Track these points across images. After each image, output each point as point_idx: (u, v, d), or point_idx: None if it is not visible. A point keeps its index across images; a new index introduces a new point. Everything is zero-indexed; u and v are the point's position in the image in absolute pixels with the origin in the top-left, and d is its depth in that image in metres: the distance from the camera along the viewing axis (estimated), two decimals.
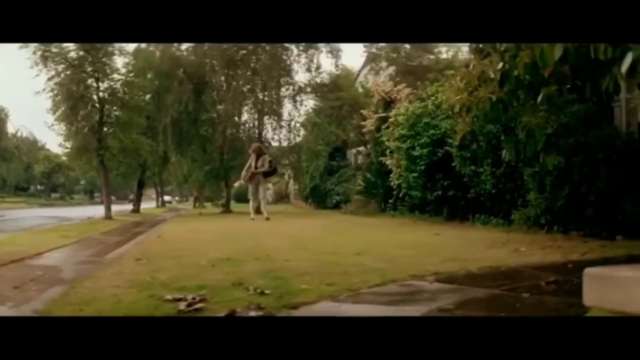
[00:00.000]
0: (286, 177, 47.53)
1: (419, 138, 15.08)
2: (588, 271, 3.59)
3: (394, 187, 17.25)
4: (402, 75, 27.69)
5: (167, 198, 78.91)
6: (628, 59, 3.62)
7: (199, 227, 16.90)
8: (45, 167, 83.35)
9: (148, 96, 29.81)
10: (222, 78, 28.64)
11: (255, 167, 18.53)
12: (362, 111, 22.83)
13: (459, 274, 6.06)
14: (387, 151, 17.27)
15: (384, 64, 30.76)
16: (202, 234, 13.25)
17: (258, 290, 5.05)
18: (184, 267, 6.95)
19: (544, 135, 8.27)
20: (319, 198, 31.88)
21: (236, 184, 52.28)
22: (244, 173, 19.15)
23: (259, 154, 18.93)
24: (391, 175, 17.14)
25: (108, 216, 25.61)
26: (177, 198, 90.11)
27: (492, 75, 6.90)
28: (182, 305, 4.50)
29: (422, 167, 14.97)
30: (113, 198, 33.83)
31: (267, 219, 17.86)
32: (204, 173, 29.99)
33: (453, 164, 13.69)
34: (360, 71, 36.22)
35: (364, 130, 22.24)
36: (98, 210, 30.33)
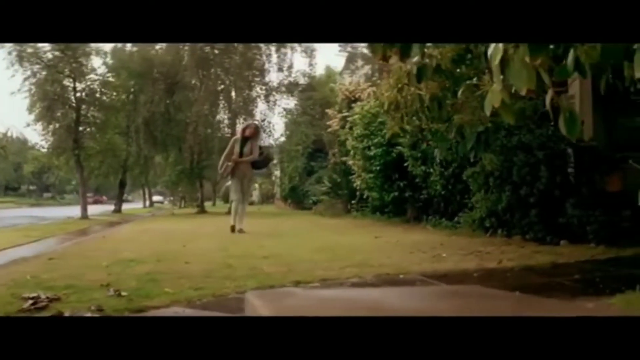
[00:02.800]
0: (273, 177, 46.99)
1: (373, 138, 14.60)
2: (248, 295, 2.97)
3: (357, 187, 16.70)
4: (379, 74, 27.09)
5: (158, 198, 78.48)
6: (570, 57, 3.24)
7: (155, 227, 16.89)
8: (35, 167, 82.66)
9: (124, 96, 29.39)
10: (195, 78, 27.95)
11: (241, 155, 12.86)
12: (327, 110, 22.17)
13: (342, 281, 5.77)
14: (351, 152, 16.70)
15: (360, 62, 30.14)
16: (145, 235, 13.07)
17: (117, 292, 4.99)
18: (80, 267, 6.84)
19: (474, 134, 7.68)
20: (298, 199, 31.31)
21: (228, 184, 52.37)
22: (222, 162, 13.16)
23: (249, 136, 13.06)
24: (354, 175, 16.61)
25: (84, 216, 25.51)
26: (170, 198, 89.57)
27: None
28: (27, 304, 4.51)
29: (378, 168, 14.45)
30: (104, 198, 34.06)
31: (241, 230, 12.38)
32: (176, 173, 29.45)
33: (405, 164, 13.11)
34: (343, 70, 35.73)
35: (329, 130, 21.47)
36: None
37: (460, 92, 6.69)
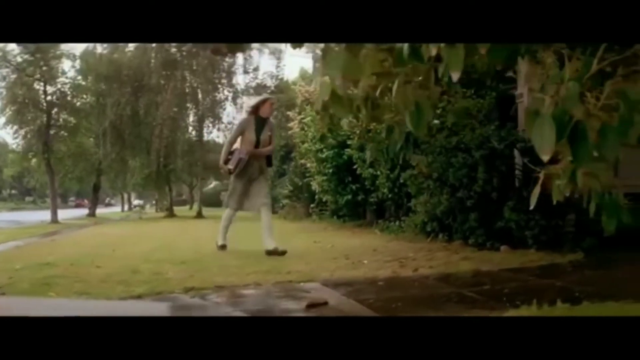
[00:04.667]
0: None
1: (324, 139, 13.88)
2: None
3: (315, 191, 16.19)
4: None
5: (140, 202, 77.33)
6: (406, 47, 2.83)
7: (108, 231, 16.87)
8: (15, 170, 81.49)
9: (93, 99, 28.89)
10: (161, 80, 27.29)
11: (257, 144, 8.76)
12: (288, 113, 21.59)
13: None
14: (306, 154, 16.19)
15: None
16: (90, 239, 13.20)
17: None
18: None
19: (403, 134, 7.13)
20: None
21: (211, 185, 51.37)
22: (225, 153, 8.96)
23: (266, 117, 9.00)
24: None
25: (54, 220, 25.22)
26: (154, 201, 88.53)
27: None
28: None
29: (331, 170, 13.93)
30: (85, 201, 33.97)
31: (283, 252, 8.18)
32: (143, 177, 28.82)
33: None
34: (314, 72, 35.19)
35: (290, 132, 20.84)
36: (64, 214, 30.46)
37: (394, 92, 6.26)
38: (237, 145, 8.94)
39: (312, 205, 17.76)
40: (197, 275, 6.24)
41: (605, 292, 4.67)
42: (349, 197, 13.71)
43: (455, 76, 2.45)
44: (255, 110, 8.94)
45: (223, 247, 8.96)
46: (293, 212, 19.89)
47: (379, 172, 11.53)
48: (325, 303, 4.60)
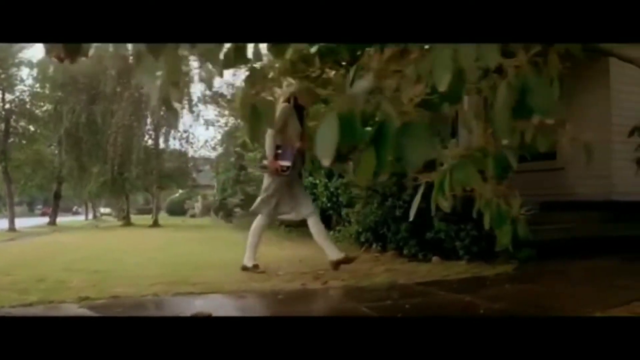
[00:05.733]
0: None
1: None
2: None
3: None
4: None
5: (107, 210, 76.15)
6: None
7: (56, 240, 16.54)
8: None
9: (50, 107, 28.38)
10: (117, 87, 26.71)
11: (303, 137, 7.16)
12: (238, 120, 21.20)
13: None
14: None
15: None
16: (28, 247, 13.17)
17: None
18: None
19: None
20: (228, 211, 30.23)
21: (177, 195, 50.65)
22: (271, 145, 6.97)
23: (304, 106, 7.32)
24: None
25: (11, 228, 24.88)
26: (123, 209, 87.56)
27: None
28: None
29: None
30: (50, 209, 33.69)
31: (352, 259, 7.15)
32: (98, 185, 28.22)
33: None
34: None
35: (239, 141, 20.42)
36: (29, 222, 31.50)
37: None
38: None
39: None
40: (100, 285, 6.02)
41: (513, 309, 4.46)
42: None
43: None
44: (292, 98, 7.06)
45: (255, 267, 7.09)
46: (247, 221, 19.39)
47: (317, 181, 11.11)
48: (210, 316, 4.33)
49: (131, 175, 26.49)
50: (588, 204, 9.08)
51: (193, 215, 45.65)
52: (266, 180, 7.25)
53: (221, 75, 2.54)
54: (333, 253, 6.97)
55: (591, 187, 9.23)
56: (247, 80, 2.74)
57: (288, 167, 6.88)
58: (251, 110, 2.52)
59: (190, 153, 30.46)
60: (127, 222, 28.77)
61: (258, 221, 7.38)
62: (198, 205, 45.92)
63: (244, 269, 6.99)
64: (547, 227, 8.03)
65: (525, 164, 9.90)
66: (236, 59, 2.47)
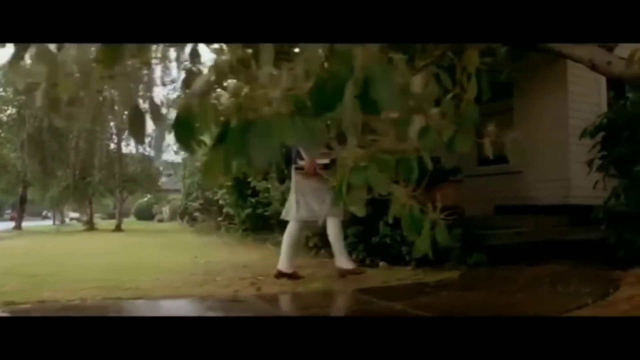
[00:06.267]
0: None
1: None
2: None
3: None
4: None
5: (75, 215, 75.19)
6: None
7: (11, 244, 16.68)
8: None
9: (14, 111, 27.97)
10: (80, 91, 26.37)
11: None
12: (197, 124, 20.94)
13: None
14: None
15: None
16: None
17: None
18: None
19: None
20: (190, 216, 29.89)
21: (145, 199, 50.04)
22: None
23: None
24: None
25: None
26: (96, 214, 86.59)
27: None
28: None
29: (230, 183, 13.23)
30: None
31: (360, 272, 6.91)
32: (60, 190, 27.80)
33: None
34: None
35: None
36: None
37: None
38: None
39: (219, 219, 17.03)
40: (32, 289, 5.95)
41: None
42: (249, 210, 13.04)
43: None
44: None
45: (294, 274, 6.68)
46: (207, 226, 19.23)
47: (270, 185, 10.93)
48: None
49: (94, 180, 26.09)
50: (545, 207, 9.00)
51: (161, 220, 45.15)
52: (297, 183, 6.94)
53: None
54: (343, 261, 6.75)
55: (549, 191, 9.18)
56: (183, 83, 2.62)
57: (327, 165, 6.58)
58: (180, 115, 2.38)
59: (161, 157, 30.08)
60: (91, 227, 28.33)
61: (292, 225, 6.93)
62: (166, 210, 45.43)
63: (279, 275, 6.60)
64: (501, 231, 7.94)
65: (483, 168, 9.90)
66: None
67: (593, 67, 6.14)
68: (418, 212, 2.68)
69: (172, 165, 35.45)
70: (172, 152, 31.89)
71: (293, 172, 6.86)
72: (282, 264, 6.68)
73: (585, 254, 7.28)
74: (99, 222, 44.43)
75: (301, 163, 6.83)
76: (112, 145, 28.50)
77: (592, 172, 7.05)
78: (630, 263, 6.12)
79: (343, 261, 6.72)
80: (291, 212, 6.93)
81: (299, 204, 6.84)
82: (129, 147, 28.70)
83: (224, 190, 13.83)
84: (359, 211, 2.52)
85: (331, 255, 8.26)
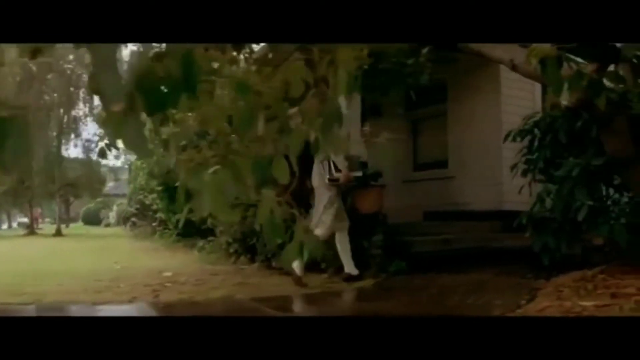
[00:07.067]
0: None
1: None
2: None
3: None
4: None
5: (23, 220, 73.75)
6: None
7: None
8: None
9: None
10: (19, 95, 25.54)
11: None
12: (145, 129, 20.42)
13: None
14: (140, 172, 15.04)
15: None
16: None
17: None
18: None
19: (179, 148, 6.20)
20: (128, 220, 29.26)
21: (92, 204, 49.08)
22: (344, 161, 6.85)
23: None
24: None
25: None
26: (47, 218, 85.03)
27: None
28: None
29: (160, 187, 12.76)
30: None
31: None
32: None
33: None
34: None
35: None
36: None
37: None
38: None
39: (153, 224, 16.50)
40: None
41: None
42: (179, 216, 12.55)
43: None
44: None
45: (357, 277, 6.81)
46: (143, 231, 18.70)
47: None
48: None
49: (33, 185, 25.40)
50: (479, 213, 8.71)
51: (108, 225, 44.24)
52: (326, 196, 6.88)
53: None
54: (349, 267, 6.82)
55: (483, 196, 8.87)
56: None
57: (358, 178, 6.94)
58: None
59: (104, 162, 29.52)
60: (31, 232, 27.63)
61: (344, 234, 6.91)
62: (113, 215, 44.57)
63: (348, 279, 6.70)
64: (428, 238, 7.63)
65: (418, 173, 9.59)
66: None
67: (514, 68, 5.89)
68: (280, 218, 2.38)
69: (114, 170, 34.92)
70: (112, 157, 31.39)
71: (326, 183, 6.85)
72: (351, 268, 6.81)
73: (514, 261, 6.99)
74: (47, 226, 43.62)
75: (336, 175, 6.85)
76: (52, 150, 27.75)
77: (517, 177, 6.76)
78: (557, 270, 5.83)
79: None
80: (338, 223, 6.88)
81: (340, 212, 6.89)
82: (68, 150, 28.11)
83: (154, 195, 13.30)
84: (226, 216, 2.22)
85: (250, 261, 7.99)
